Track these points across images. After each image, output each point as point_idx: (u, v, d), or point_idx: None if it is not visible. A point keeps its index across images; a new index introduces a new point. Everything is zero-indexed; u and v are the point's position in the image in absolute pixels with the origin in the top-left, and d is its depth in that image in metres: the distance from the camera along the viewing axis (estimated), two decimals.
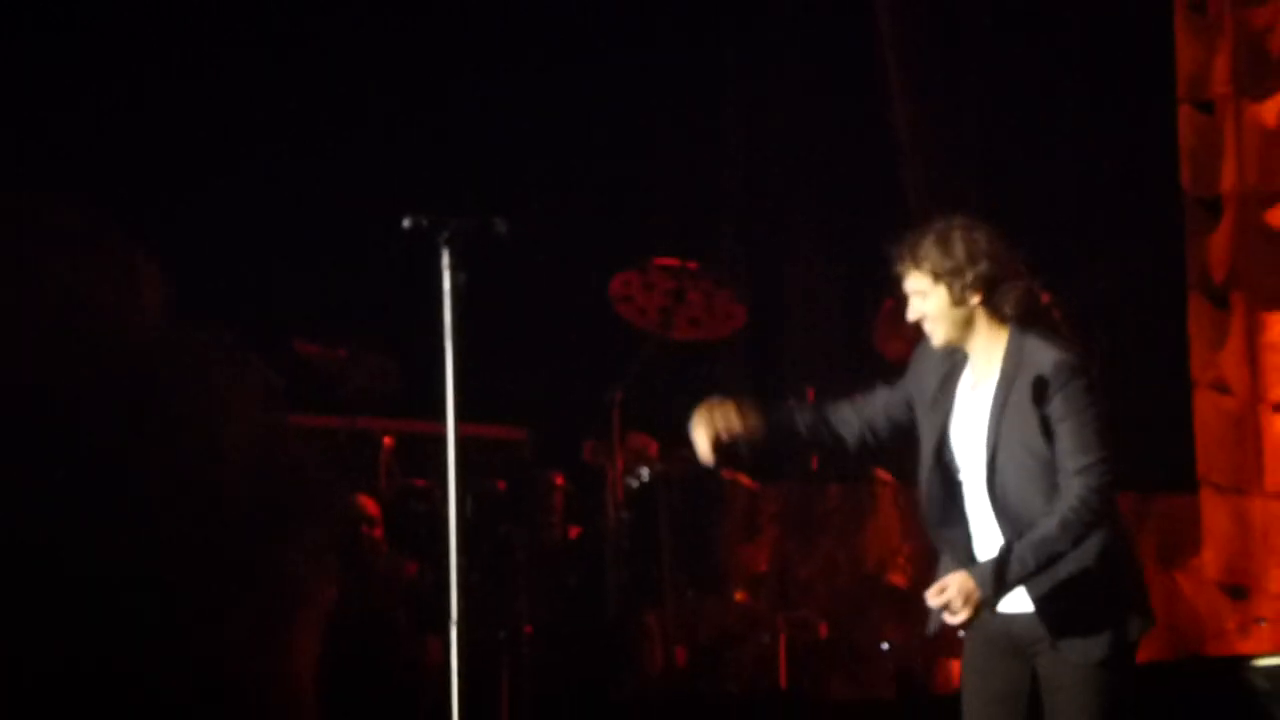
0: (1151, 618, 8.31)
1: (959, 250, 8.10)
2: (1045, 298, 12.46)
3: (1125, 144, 15.33)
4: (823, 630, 12.18)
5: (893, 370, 12.71)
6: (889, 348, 12.83)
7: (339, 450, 11.82)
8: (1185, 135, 15.14)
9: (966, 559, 8.18)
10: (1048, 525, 7.99)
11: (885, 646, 12.08)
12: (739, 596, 12.32)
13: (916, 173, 14.90)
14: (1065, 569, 8.00)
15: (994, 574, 7.99)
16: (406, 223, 8.79)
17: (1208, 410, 14.93)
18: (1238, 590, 14.63)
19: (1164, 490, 14.55)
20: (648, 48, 15.03)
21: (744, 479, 12.82)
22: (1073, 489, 8.08)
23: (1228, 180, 15.05)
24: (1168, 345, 14.85)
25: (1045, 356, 8.11)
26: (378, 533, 11.25)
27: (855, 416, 8.75)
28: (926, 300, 8.13)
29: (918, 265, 8.14)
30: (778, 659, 12.09)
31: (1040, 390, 8.04)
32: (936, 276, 8.14)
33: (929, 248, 8.11)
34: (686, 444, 12.40)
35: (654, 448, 12.24)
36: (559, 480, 12.24)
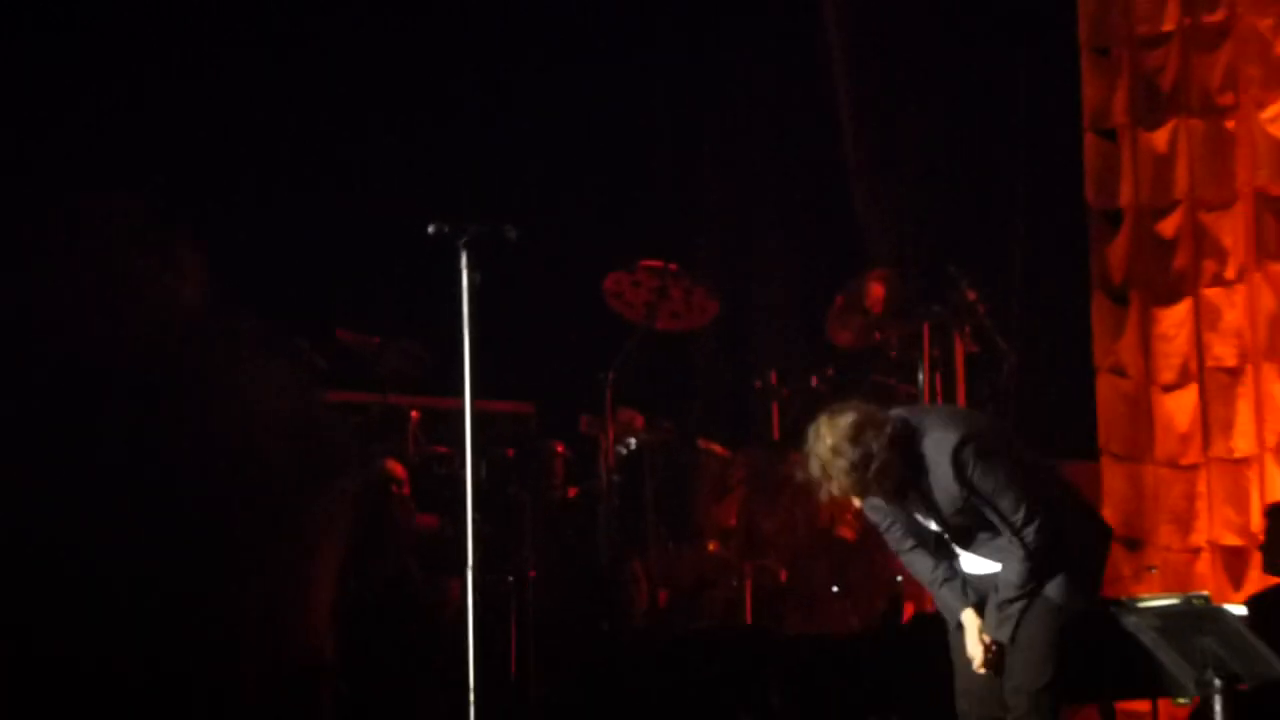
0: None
1: (868, 461, 8.38)
2: (972, 295, 12.40)
3: (1040, 165, 15.31)
4: (782, 576, 12.22)
5: (840, 354, 12.69)
6: (838, 337, 12.86)
7: (373, 422, 11.91)
8: (1090, 158, 15.08)
9: (954, 574, 8.86)
10: (1021, 571, 8.57)
11: (835, 589, 12.07)
12: (711, 547, 12.33)
13: (863, 189, 14.85)
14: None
15: (998, 627, 8.73)
16: (431, 229, 8.80)
17: (1108, 391, 14.89)
18: (1132, 543, 14.60)
19: (1072, 458, 14.49)
20: (638, 75, 15.14)
21: (716, 447, 12.86)
22: (1023, 541, 8.59)
23: (1125, 196, 15.00)
24: (1075, 336, 14.81)
25: (943, 454, 8.57)
26: (406, 491, 11.31)
27: (930, 554, 9.02)
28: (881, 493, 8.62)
29: (860, 495, 8.68)
30: (744, 600, 12.13)
31: (955, 480, 8.51)
32: (876, 484, 8.52)
33: (856, 482, 8.46)
34: (667, 418, 12.44)
35: (640, 421, 12.27)
36: (559, 448, 12.28)
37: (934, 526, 8.70)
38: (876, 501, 8.66)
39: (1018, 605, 8.50)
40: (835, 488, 8.37)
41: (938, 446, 8.46)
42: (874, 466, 8.29)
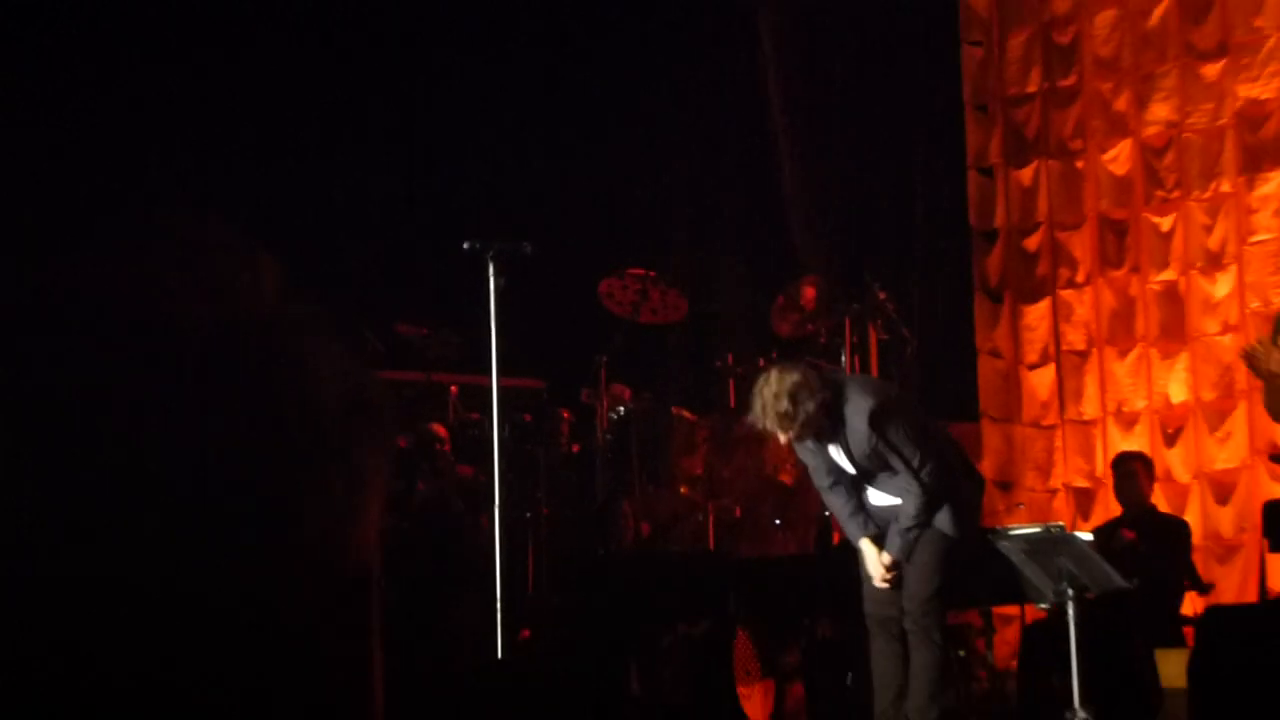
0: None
1: (796, 413, 8.74)
2: (882, 295, 12.40)
3: (935, 196, 15.29)
4: (737, 512, 12.26)
5: (781, 342, 12.69)
6: (779, 328, 12.91)
7: (421, 395, 11.95)
8: (972, 190, 15.12)
9: (860, 509, 9.09)
10: (917, 504, 8.84)
11: (777, 523, 12.12)
12: (682, 490, 12.39)
13: (798, 214, 14.86)
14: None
15: (901, 549, 8.90)
16: (465, 245, 8.86)
17: (986, 369, 14.92)
18: (1005, 485, 14.67)
19: (959, 420, 14.52)
20: (627, 128, 15.09)
21: (686, 413, 12.92)
22: (920, 480, 8.82)
23: (999, 219, 15.06)
24: (960, 327, 14.82)
25: (860, 415, 8.86)
26: (447, 448, 11.38)
27: (845, 492, 9.22)
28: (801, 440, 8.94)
29: (784, 433, 8.89)
30: (707, 531, 12.17)
31: (870, 430, 8.74)
32: (799, 432, 8.88)
33: (781, 423, 8.80)
34: (647, 390, 12.40)
35: (627, 393, 12.33)
36: (565, 414, 12.29)
37: (849, 468, 8.92)
38: (809, 445, 8.95)
39: (914, 532, 8.73)
40: (767, 424, 8.79)
41: (856, 409, 8.73)
42: (800, 420, 8.67)
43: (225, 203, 11.84)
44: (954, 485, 9.00)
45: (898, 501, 8.85)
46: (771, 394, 8.71)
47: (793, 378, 8.69)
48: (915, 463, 8.73)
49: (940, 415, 14.00)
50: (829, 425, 8.81)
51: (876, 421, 8.71)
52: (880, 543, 8.90)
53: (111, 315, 1.16)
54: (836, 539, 11.22)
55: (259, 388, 1.20)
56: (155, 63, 13.08)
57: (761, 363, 12.75)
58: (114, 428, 1.12)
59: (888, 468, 8.85)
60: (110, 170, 11.91)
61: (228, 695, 1.13)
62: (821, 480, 9.16)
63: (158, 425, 1.13)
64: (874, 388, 9.45)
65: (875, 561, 8.86)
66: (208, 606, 1.13)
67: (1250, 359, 9.13)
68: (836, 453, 8.98)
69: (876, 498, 9.04)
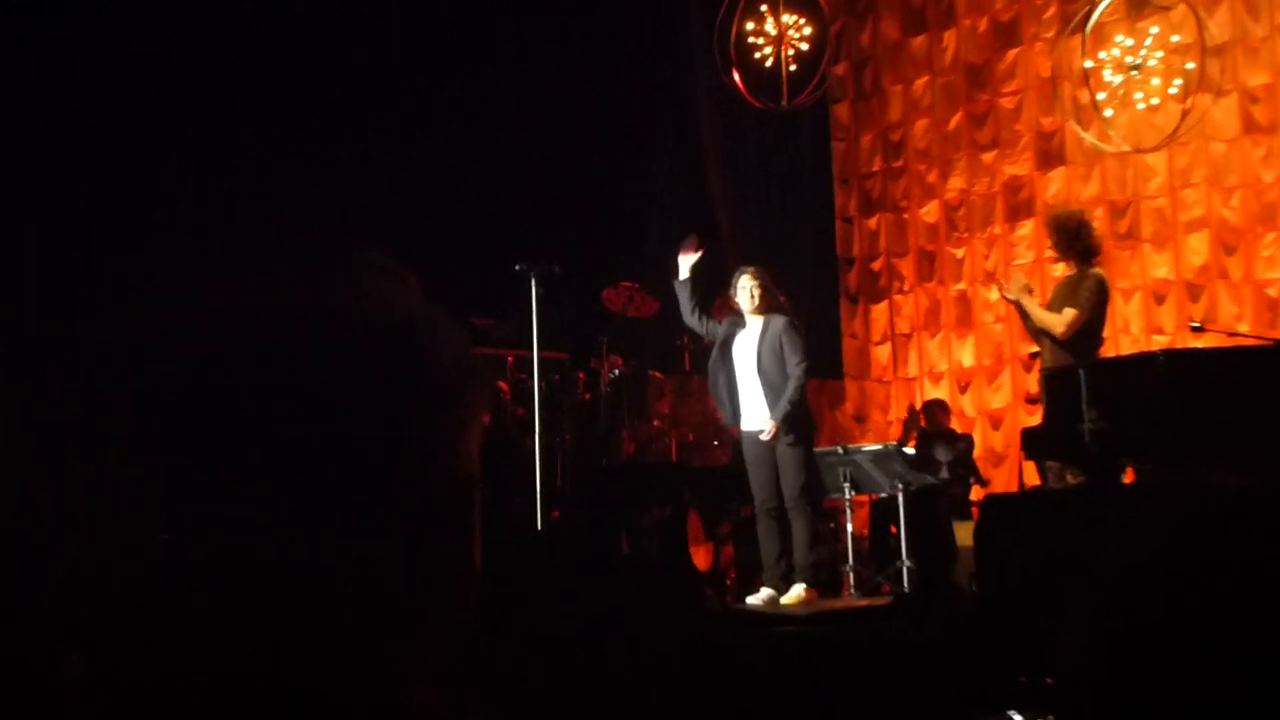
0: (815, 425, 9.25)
1: (772, 288, 8.78)
2: (782, 298, 12.34)
3: (818, 237, 15.29)
4: (690, 437, 12.21)
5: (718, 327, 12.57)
6: (718, 318, 12.81)
7: (489, 363, 11.73)
8: (839, 233, 15.18)
9: (758, 408, 8.73)
10: (795, 388, 8.62)
11: (716, 444, 12.05)
12: (655, 423, 12.26)
13: (731, 245, 14.79)
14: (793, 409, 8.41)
15: (784, 418, 8.53)
16: (517, 267, 8.84)
17: (848, 345, 14.98)
18: (860, 419, 14.69)
19: (832, 378, 14.57)
20: (613, 158, 14.72)
21: (657, 373, 12.74)
22: (798, 373, 8.61)
23: (856, 250, 15.09)
24: (832, 318, 14.83)
25: (781, 322, 8.53)
26: (507, 397, 11.23)
27: (702, 315, 9.13)
28: (756, 300, 8.75)
29: (763, 290, 8.82)
30: (671, 449, 12.11)
31: (782, 333, 8.19)
32: (766, 294, 8.77)
33: (766, 288, 8.80)
34: (633, 358, 12.25)
35: (620, 361, 12.09)
36: (580, 375, 12.11)
37: (751, 361, 8.84)
38: (728, 330, 9.04)
39: (790, 408, 8.65)
40: (734, 291, 8.94)
41: (784, 316, 8.87)
42: (758, 298, 8.81)
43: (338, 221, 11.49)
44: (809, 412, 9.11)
45: (762, 426, 8.69)
46: (748, 275, 8.90)
47: (764, 277, 8.89)
48: (797, 359, 8.69)
49: (819, 375, 14.14)
50: (764, 312, 8.84)
51: (791, 326, 8.78)
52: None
53: (312, 316, 1.17)
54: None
55: (408, 361, 1.19)
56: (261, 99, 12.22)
57: (706, 342, 12.80)
58: (321, 389, 1.14)
59: (778, 376, 8.71)
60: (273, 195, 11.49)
61: (403, 549, 1.15)
62: (714, 362, 9.10)
63: (348, 387, 1.14)
64: (802, 334, 9.19)
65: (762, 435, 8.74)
66: (393, 490, 1.15)
67: (1003, 291, 9.18)
68: (746, 350, 8.87)
69: (751, 408, 8.86)
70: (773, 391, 8.67)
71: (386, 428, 1.16)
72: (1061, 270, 9.01)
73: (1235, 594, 0.97)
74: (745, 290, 8.87)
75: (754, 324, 8.87)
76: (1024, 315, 8.94)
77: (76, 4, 11.48)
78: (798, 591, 8.66)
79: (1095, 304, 8.47)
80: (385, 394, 1.17)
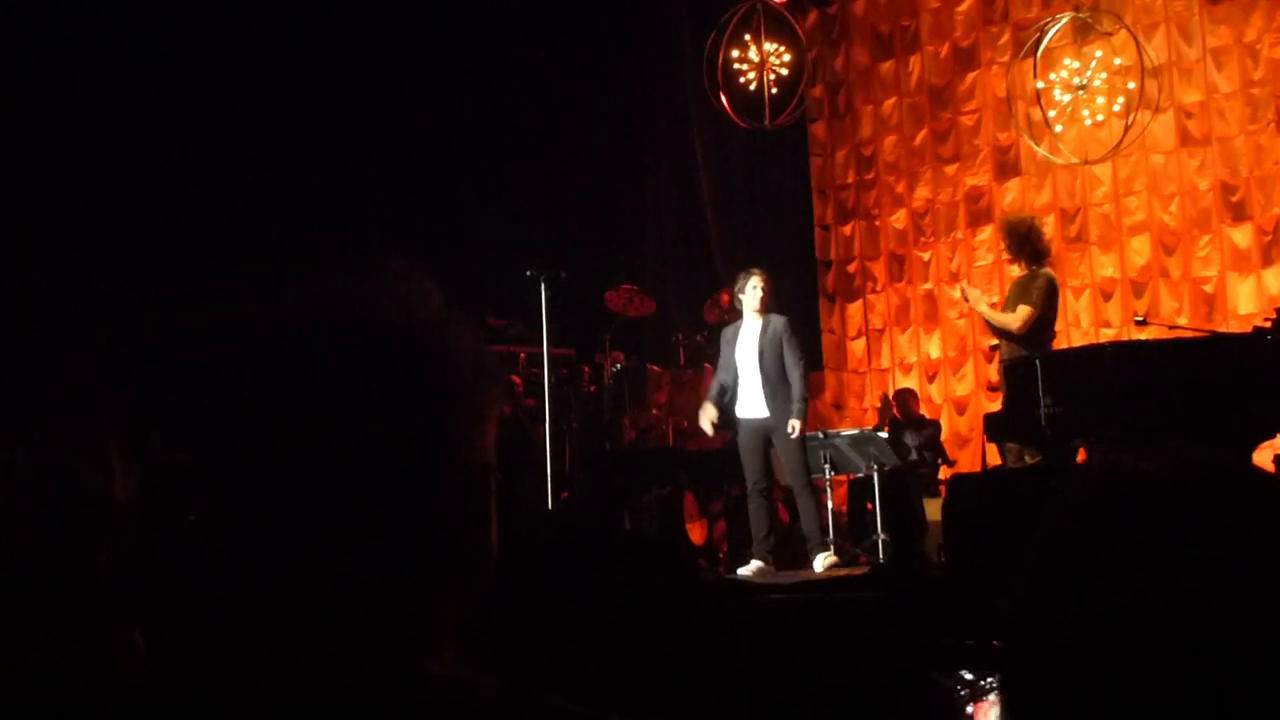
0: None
1: (765, 289, 8.55)
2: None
3: (797, 243, 15.29)
4: (685, 424, 12.12)
5: (710, 327, 12.58)
6: (709, 318, 12.80)
7: (503, 359, 11.64)
8: (818, 239, 15.15)
9: (756, 399, 8.53)
10: (804, 385, 8.51)
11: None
12: (654, 411, 12.27)
13: (721, 254, 14.82)
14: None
15: (799, 415, 8.42)
16: (529, 272, 8.76)
17: (827, 339, 14.95)
18: (838, 406, 14.67)
19: (812, 370, 14.55)
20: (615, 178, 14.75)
21: (655, 367, 12.75)
22: (802, 369, 8.48)
23: (833, 254, 15.07)
24: (813, 315, 14.81)
25: (781, 321, 8.25)
26: (520, 389, 11.20)
27: (722, 390, 8.78)
28: (761, 298, 8.51)
29: (766, 290, 8.56)
30: (668, 434, 12.08)
31: (782, 333, 8.02)
32: (768, 294, 8.48)
33: (769, 289, 8.58)
34: (635, 354, 12.23)
35: (621, 356, 12.13)
36: (586, 369, 12.12)
37: (753, 358, 8.59)
38: (730, 336, 8.79)
39: (801, 406, 8.49)
40: (741, 290, 8.70)
41: (781, 318, 8.62)
42: (759, 297, 8.58)
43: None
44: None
45: (764, 414, 8.54)
46: (756, 275, 8.68)
47: (767, 282, 8.68)
48: (798, 361, 8.54)
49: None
50: (764, 313, 8.64)
51: (790, 325, 8.71)
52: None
53: (344, 321, 1.20)
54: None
55: (428, 360, 1.21)
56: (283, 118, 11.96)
57: (699, 339, 12.77)
58: (352, 386, 1.16)
59: (776, 370, 8.55)
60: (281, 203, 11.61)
61: (424, 527, 1.18)
62: (721, 371, 8.87)
63: (375, 384, 1.16)
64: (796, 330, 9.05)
65: (709, 422, 8.75)
66: (416, 475, 1.17)
67: (965, 299, 9.14)
68: (748, 345, 8.68)
69: (749, 399, 8.67)
70: (769, 385, 8.51)
71: (409, 420, 1.18)
72: (1016, 271, 8.98)
73: (1140, 563, 0.99)
74: (755, 290, 8.75)
75: (754, 322, 8.75)
76: (986, 320, 8.94)
77: (83, 9, 11.18)
78: (827, 558, 8.55)
79: (1046, 301, 8.45)
80: (408, 390, 1.19)
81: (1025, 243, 8.64)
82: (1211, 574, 0.97)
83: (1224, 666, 0.94)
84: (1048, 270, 8.68)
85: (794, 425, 8.45)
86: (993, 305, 8.98)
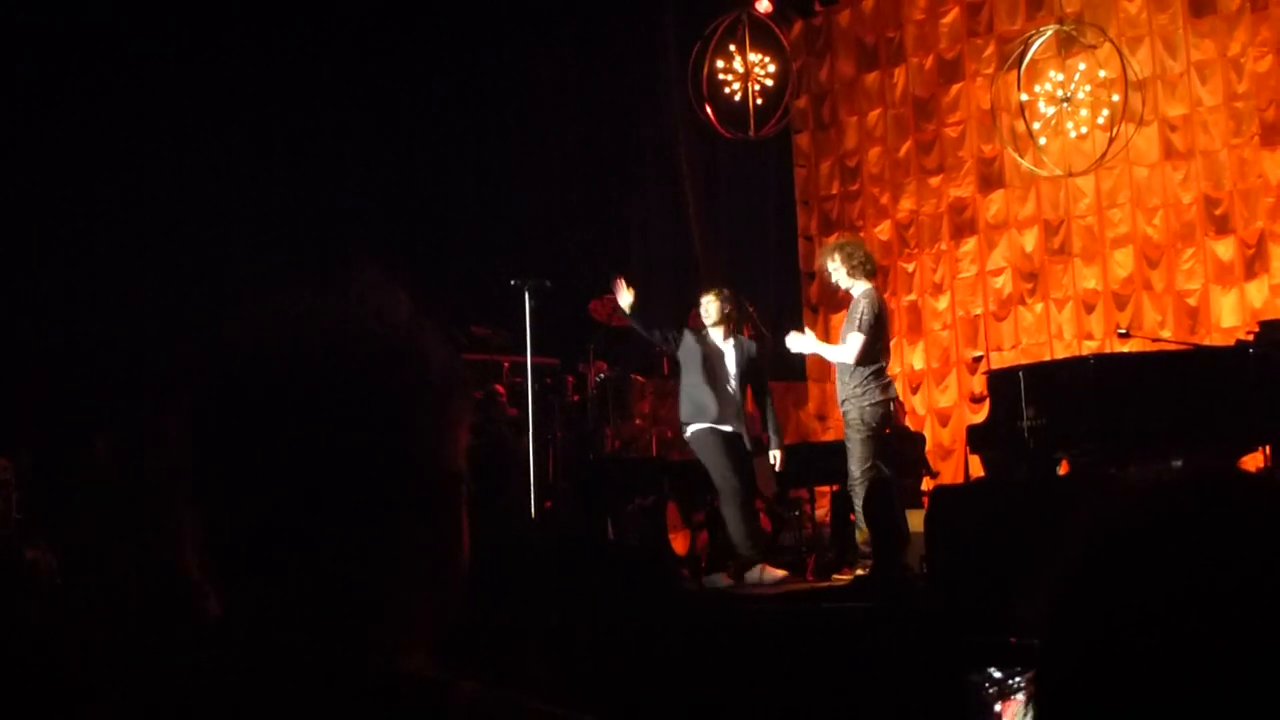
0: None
1: (735, 309, 8.81)
2: (751, 308, 12.28)
3: (782, 255, 15.30)
4: (669, 434, 12.07)
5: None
6: (693, 324, 12.74)
7: (487, 368, 11.62)
8: (803, 250, 15.17)
9: (729, 408, 8.61)
10: (772, 409, 8.89)
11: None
12: (638, 422, 12.23)
13: (707, 265, 14.81)
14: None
15: (779, 446, 8.86)
16: (512, 281, 8.77)
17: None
18: (821, 417, 14.66)
19: (796, 380, 14.55)
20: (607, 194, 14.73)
21: (639, 377, 12.70)
22: (768, 393, 8.80)
23: (816, 265, 15.01)
24: (796, 326, 14.73)
25: (753, 346, 8.82)
26: (504, 399, 11.16)
27: (658, 330, 9.01)
28: (720, 317, 8.76)
29: (722, 313, 8.78)
30: (652, 445, 12.05)
31: (756, 359, 8.14)
32: (727, 316, 8.71)
33: (728, 309, 8.81)
34: (617, 365, 12.17)
35: (605, 366, 12.04)
36: (570, 379, 12.08)
37: (731, 369, 8.76)
38: (704, 337, 8.93)
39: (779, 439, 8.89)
40: (711, 308, 8.90)
41: (749, 341, 8.99)
42: (710, 320, 8.82)
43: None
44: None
45: (738, 429, 8.64)
46: (722, 295, 8.90)
47: (731, 301, 8.93)
48: (764, 379, 8.89)
49: (784, 377, 14.11)
50: (734, 333, 8.87)
51: (760, 353, 8.87)
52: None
53: (321, 334, 1.22)
54: None
55: (399, 367, 1.23)
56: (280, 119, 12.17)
57: (663, 349, 12.78)
58: (336, 392, 1.19)
59: (743, 391, 8.74)
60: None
61: (398, 532, 1.20)
62: (664, 339, 9.09)
63: (349, 394, 1.19)
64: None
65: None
66: (390, 481, 1.19)
67: (791, 346, 9.23)
68: (723, 362, 8.79)
69: (728, 413, 8.72)
70: (742, 405, 8.72)
71: (379, 428, 1.20)
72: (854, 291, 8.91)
73: (1172, 567, 1.03)
74: (706, 309, 8.93)
75: (725, 341, 8.88)
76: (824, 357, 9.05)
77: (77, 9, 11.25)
78: (758, 571, 8.58)
79: (875, 322, 8.39)
80: (378, 398, 1.21)
81: (851, 261, 8.58)
82: (1244, 577, 1.01)
83: (1256, 669, 0.98)
84: (865, 289, 8.57)
85: (778, 456, 8.80)
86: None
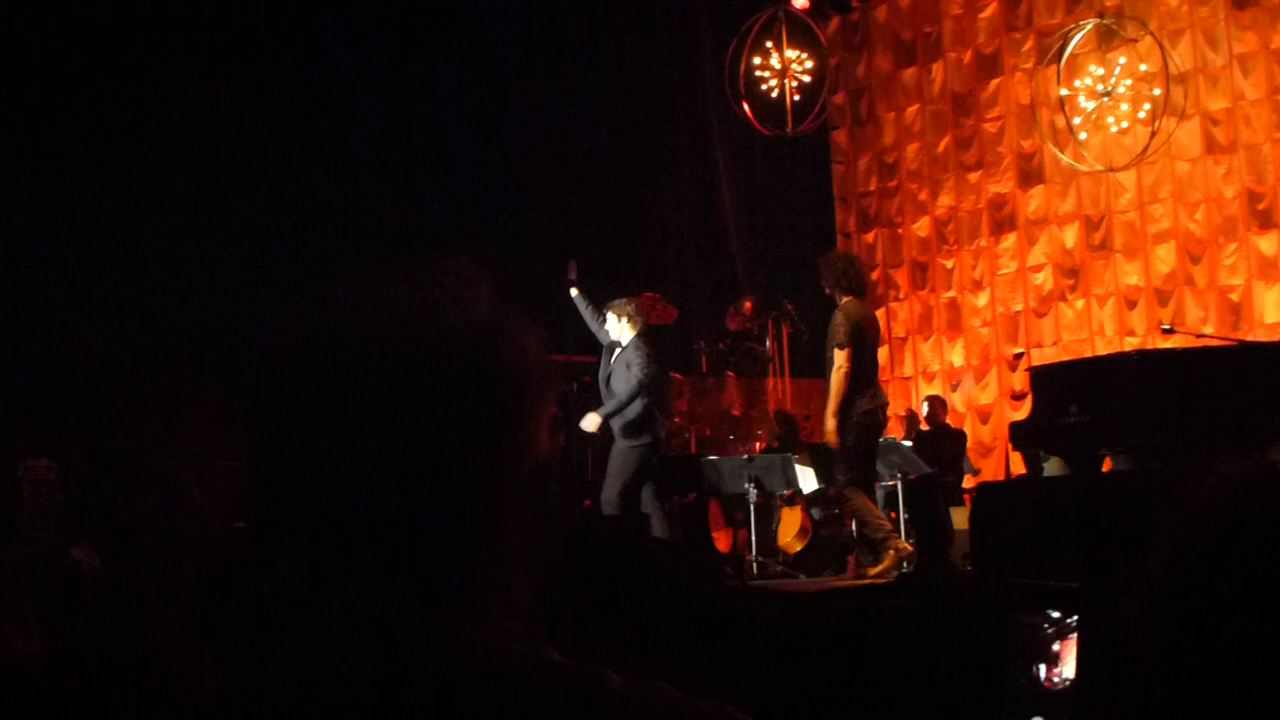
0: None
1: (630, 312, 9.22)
2: (790, 306, 12.20)
3: (819, 251, 15.25)
4: (708, 431, 12.14)
5: (731, 333, 12.52)
6: (731, 325, 12.74)
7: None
8: (840, 245, 15.11)
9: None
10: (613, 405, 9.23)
11: (731, 437, 11.97)
12: (676, 419, 12.18)
13: (743, 263, 14.80)
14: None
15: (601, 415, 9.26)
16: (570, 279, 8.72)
17: None
18: None
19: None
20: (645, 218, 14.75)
21: (678, 375, 12.66)
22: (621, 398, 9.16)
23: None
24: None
25: (633, 342, 9.16)
26: None
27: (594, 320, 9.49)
28: (622, 327, 9.24)
29: (628, 319, 9.24)
30: (690, 441, 12.02)
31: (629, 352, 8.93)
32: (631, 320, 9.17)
33: (633, 316, 9.25)
34: (655, 363, 12.14)
35: None
36: None
37: (603, 371, 9.44)
38: (609, 341, 9.39)
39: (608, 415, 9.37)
40: (614, 311, 9.30)
41: (636, 342, 9.30)
42: (631, 313, 9.23)
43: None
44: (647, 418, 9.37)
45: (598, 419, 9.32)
46: (630, 306, 9.32)
47: (640, 319, 9.39)
48: (624, 393, 9.16)
49: (824, 374, 14.07)
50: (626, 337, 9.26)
51: (636, 349, 9.24)
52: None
53: (411, 321, 1.21)
54: (759, 449, 11.21)
55: (500, 360, 1.23)
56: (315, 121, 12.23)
57: (721, 345, 12.75)
58: (435, 379, 1.18)
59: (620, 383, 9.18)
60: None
61: (501, 517, 1.22)
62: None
63: (454, 381, 1.19)
64: (646, 351, 9.42)
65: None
66: (491, 471, 1.20)
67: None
68: (608, 358, 9.36)
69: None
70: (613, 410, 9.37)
71: (483, 420, 1.20)
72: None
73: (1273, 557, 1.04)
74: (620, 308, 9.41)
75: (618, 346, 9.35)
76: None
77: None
78: None
79: (850, 336, 8.48)
80: (481, 391, 1.21)
81: (841, 276, 8.72)
82: None
83: None
84: (842, 307, 8.70)
85: (591, 419, 9.37)
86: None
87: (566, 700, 1.12)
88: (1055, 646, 2.88)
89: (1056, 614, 2.87)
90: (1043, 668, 2.86)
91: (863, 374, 8.47)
